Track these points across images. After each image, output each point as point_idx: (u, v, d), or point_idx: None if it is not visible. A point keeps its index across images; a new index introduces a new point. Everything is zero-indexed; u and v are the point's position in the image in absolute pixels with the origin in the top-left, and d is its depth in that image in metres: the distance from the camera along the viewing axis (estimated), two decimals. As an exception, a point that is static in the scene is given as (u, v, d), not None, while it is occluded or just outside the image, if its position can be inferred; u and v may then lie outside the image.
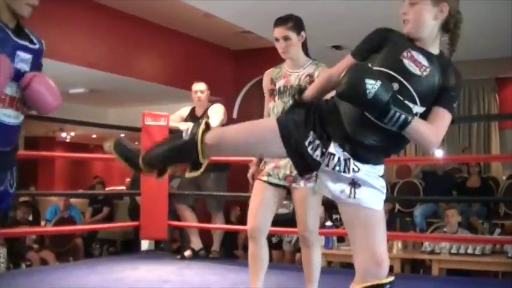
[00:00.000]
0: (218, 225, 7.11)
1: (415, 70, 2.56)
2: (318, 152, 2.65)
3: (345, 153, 2.61)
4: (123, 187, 15.35)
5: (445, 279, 6.56)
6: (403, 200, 10.50)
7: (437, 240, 7.24)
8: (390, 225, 7.74)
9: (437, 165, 10.61)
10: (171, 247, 8.98)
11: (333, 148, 2.62)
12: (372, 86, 2.40)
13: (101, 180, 13.95)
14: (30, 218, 9.45)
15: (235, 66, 11.76)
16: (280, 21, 4.03)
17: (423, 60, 2.59)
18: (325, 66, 4.01)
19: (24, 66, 2.91)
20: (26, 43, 2.94)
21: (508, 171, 12.19)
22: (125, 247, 10.86)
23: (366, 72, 2.47)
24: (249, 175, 4.25)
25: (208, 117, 6.67)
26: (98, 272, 5.84)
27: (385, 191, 2.71)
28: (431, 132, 2.53)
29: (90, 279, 5.45)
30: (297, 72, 4.06)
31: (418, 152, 14.34)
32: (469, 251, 6.85)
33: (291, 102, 3.68)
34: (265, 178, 4.04)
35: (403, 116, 2.44)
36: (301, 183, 3.95)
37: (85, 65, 9.34)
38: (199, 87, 6.90)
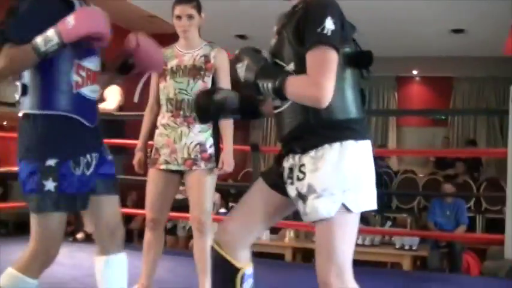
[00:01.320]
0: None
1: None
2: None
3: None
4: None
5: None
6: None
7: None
8: (284, 214, 7.84)
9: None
10: (66, 230, 8.84)
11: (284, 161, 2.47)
12: (240, 69, 2.33)
13: (-5, 160, 13.57)
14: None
15: (139, 50, 11.60)
16: (185, 0, 3.94)
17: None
18: (221, 48, 4.00)
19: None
20: None
21: (403, 167, 12.55)
22: (18, 229, 10.60)
23: (236, 58, 2.38)
24: (135, 161, 4.18)
25: (104, 100, 6.53)
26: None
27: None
28: (307, 82, 2.20)
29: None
30: (191, 52, 3.99)
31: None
32: (359, 241, 7.01)
33: (186, 82, 3.82)
34: (163, 167, 3.97)
35: (269, 85, 2.25)
36: (202, 164, 3.89)
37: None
38: None
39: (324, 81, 2.16)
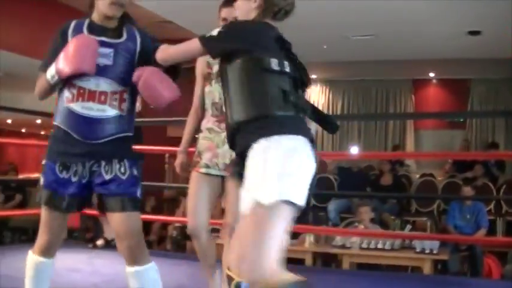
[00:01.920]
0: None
1: None
2: None
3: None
4: (38, 174, 15.05)
5: (355, 273, 6.68)
6: (318, 195, 10.62)
7: (348, 234, 7.35)
8: (303, 219, 7.82)
9: (353, 162, 10.77)
10: (85, 236, 8.87)
11: None
12: None
13: (14, 167, 13.65)
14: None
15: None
16: (230, 2, 3.72)
17: None
18: None
19: (105, 60, 2.97)
20: (103, 38, 2.99)
21: (422, 170, 12.49)
22: (37, 235, 10.65)
23: None
24: (177, 163, 4.16)
25: None
26: (6, 260, 5.72)
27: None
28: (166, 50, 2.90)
29: (0, 266, 5.34)
30: None
31: (335, 148, 14.58)
32: (379, 246, 6.98)
33: None
34: (204, 170, 3.93)
35: None
36: None
37: (0, 47, 9.13)
38: None
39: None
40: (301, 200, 2.51)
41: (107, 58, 2.98)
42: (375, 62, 12.49)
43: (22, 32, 9.47)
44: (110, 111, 2.98)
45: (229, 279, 2.46)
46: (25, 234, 11.05)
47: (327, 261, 7.63)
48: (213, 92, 3.93)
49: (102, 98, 2.95)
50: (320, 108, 11.09)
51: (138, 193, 3.07)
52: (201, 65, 4.02)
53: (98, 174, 2.99)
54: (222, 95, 3.41)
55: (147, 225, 9.67)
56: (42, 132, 19.06)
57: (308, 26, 9.60)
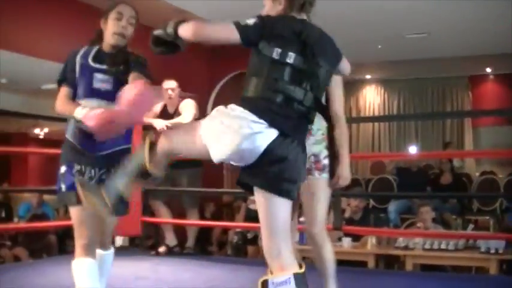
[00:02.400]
0: (193, 221, 7.08)
1: None
2: None
3: None
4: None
5: (419, 274, 6.59)
6: (377, 196, 10.55)
7: (411, 235, 7.27)
8: (364, 221, 7.76)
9: (411, 161, 10.66)
10: (146, 243, 8.95)
11: None
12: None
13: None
14: (3, 214, 9.38)
15: (209, 62, 11.71)
16: None
17: None
18: None
19: (106, 86, 3.41)
20: (104, 66, 3.43)
21: (482, 167, 12.30)
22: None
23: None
24: None
25: (180, 114, 6.72)
26: (69, 268, 5.80)
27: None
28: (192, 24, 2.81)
29: (63, 275, 5.39)
30: None
31: (392, 148, 14.46)
32: (443, 246, 6.88)
33: None
34: None
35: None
36: (316, 173, 3.83)
37: (58, 60, 9.26)
38: (170, 85, 6.90)
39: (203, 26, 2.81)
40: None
41: (107, 84, 3.41)
42: (430, 60, 12.36)
43: (77, 45, 9.60)
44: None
45: None
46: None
47: (390, 263, 7.55)
48: None
49: None
50: (376, 108, 11.07)
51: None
52: None
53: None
54: None
55: (207, 231, 9.72)
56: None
57: (363, 26, 9.57)
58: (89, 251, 3.45)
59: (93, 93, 3.40)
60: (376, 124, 15.08)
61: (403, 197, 9.84)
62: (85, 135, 3.35)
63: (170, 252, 6.84)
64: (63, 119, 8.84)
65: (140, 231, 7.29)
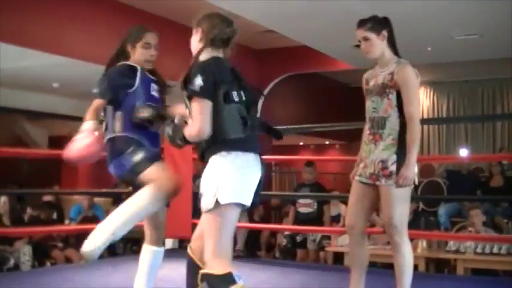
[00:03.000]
0: (242, 224, 7.09)
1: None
2: None
3: None
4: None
5: (471, 278, 6.52)
6: (427, 199, 10.44)
7: (462, 239, 7.18)
8: (414, 225, 7.70)
9: (461, 164, 10.54)
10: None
11: None
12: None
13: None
14: (55, 216, 9.50)
15: (257, 65, 11.72)
16: (359, 23, 4.14)
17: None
18: (406, 63, 4.07)
19: (156, 94, 4.03)
20: (155, 78, 4.08)
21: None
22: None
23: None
24: (351, 176, 4.31)
25: None
26: (123, 270, 5.86)
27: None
28: (190, 129, 3.22)
29: (115, 277, 5.47)
30: (383, 71, 4.08)
31: (442, 151, 14.31)
32: (495, 250, 6.79)
33: (377, 101, 4.05)
34: (358, 178, 4.17)
35: (180, 143, 3.32)
36: (383, 180, 3.97)
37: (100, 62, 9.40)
38: None
39: (201, 123, 3.15)
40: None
41: (157, 93, 4.05)
42: (480, 62, 12.18)
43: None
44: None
45: None
46: (136, 245, 11.29)
47: (440, 266, 7.47)
48: (368, 107, 4.11)
49: None
50: (425, 110, 11.07)
51: None
52: (363, 81, 4.24)
53: None
54: (373, 111, 4.00)
55: (255, 235, 9.73)
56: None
57: (413, 28, 9.47)
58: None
59: (150, 99, 3.94)
60: (425, 127, 14.94)
61: (454, 200, 9.73)
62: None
63: (237, 257, 6.86)
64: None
65: (190, 234, 7.32)
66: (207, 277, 3.14)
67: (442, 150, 14.58)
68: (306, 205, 8.16)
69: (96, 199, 11.05)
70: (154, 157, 3.86)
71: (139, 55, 4.03)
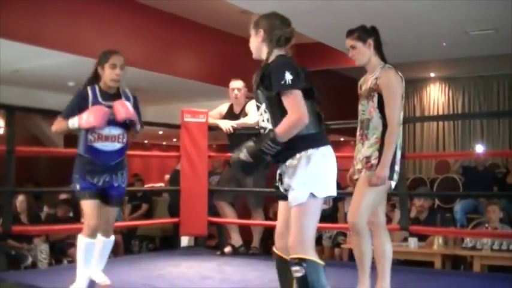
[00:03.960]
0: (258, 221, 7.09)
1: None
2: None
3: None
4: (162, 184, 15.42)
5: (487, 275, 6.50)
6: (443, 196, 10.41)
7: (479, 236, 7.16)
8: (430, 221, 7.67)
9: (477, 160, 10.50)
10: (208, 243, 9.00)
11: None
12: (243, 155, 3.30)
13: (139, 178, 14.03)
14: (71, 214, 9.54)
15: (272, 63, 11.68)
16: (348, 33, 4.40)
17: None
18: (390, 68, 4.30)
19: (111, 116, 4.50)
20: (110, 103, 4.51)
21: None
22: (164, 243, 10.91)
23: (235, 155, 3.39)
24: (348, 176, 4.57)
25: (246, 114, 6.76)
26: (139, 268, 5.88)
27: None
28: (290, 119, 3.24)
29: (132, 275, 5.49)
30: (371, 76, 4.33)
31: (457, 147, 14.25)
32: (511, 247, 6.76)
33: (364, 104, 4.33)
34: (354, 177, 4.42)
35: (268, 142, 3.24)
36: (363, 171, 4.23)
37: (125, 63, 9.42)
38: (237, 84, 6.92)
39: (300, 109, 3.24)
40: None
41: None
42: (496, 57, 12.11)
43: (143, 47, 9.74)
44: (117, 145, 4.61)
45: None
46: (152, 243, 11.34)
47: (457, 263, 7.45)
48: (359, 110, 4.39)
49: (113, 138, 4.57)
50: (440, 106, 11.12)
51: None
52: (358, 87, 4.50)
53: (110, 182, 4.65)
54: (361, 114, 4.28)
55: (271, 232, 9.72)
56: (164, 143, 19.54)
57: (428, 23, 9.43)
58: (93, 234, 4.60)
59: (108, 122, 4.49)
60: (441, 123, 14.89)
61: (471, 197, 9.70)
62: (100, 152, 4.55)
63: (235, 253, 6.87)
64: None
65: (206, 232, 7.33)
66: (304, 261, 3.21)
67: (457, 147, 14.52)
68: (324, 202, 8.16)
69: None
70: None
71: (107, 76, 4.57)
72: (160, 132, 16.01)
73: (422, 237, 7.34)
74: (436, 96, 15.20)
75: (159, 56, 9.90)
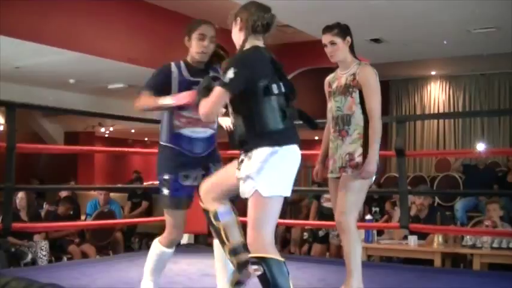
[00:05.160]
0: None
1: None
2: None
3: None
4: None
5: (487, 274, 6.48)
6: (444, 194, 10.41)
7: (479, 234, 7.16)
8: (431, 219, 7.67)
9: (478, 158, 10.50)
10: (208, 241, 8.98)
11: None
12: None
13: (139, 175, 14.03)
14: (71, 211, 9.55)
15: (276, 58, 11.67)
16: (327, 29, 4.40)
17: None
18: (367, 64, 4.35)
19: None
20: (198, 79, 3.85)
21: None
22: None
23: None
24: (314, 173, 4.65)
25: None
26: (139, 265, 5.86)
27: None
28: (200, 109, 3.38)
29: (131, 272, 5.49)
30: (345, 73, 4.36)
31: (458, 146, 14.25)
32: (511, 245, 6.76)
33: (340, 100, 4.31)
34: (330, 175, 4.45)
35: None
36: (349, 170, 4.23)
37: (124, 60, 9.41)
38: None
39: (211, 107, 3.33)
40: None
41: None
42: (497, 55, 12.11)
43: (145, 44, 9.74)
44: (209, 131, 4.05)
45: None
46: (152, 240, 11.30)
47: (457, 261, 7.44)
48: (332, 107, 4.42)
49: (204, 123, 3.92)
50: (441, 104, 11.12)
51: None
52: (325, 85, 4.53)
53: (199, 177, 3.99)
54: (337, 110, 4.29)
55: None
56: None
57: (429, 22, 9.44)
58: (171, 245, 4.17)
59: (189, 107, 3.87)
60: (441, 121, 14.90)
61: (471, 195, 9.70)
62: (190, 139, 3.99)
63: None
64: (128, 118, 8.98)
65: (206, 229, 7.33)
66: (262, 259, 3.19)
67: (458, 145, 14.52)
68: (328, 200, 8.17)
69: (112, 194, 11.08)
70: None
71: (194, 48, 4.05)
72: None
73: (422, 236, 7.33)
74: (436, 94, 15.19)
75: (160, 54, 9.89)
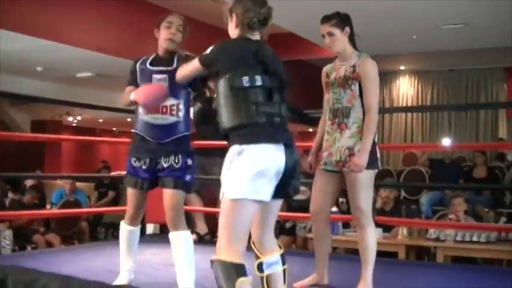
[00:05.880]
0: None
1: None
2: None
3: None
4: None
5: (450, 266, 6.54)
6: (409, 187, 10.49)
7: (442, 227, 7.22)
8: (396, 212, 7.72)
9: (444, 153, 10.60)
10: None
11: None
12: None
13: (107, 165, 13.96)
14: (37, 201, 9.48)
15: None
16: (324, 19, 4.30)
17: None
18: (368, 56, 4.29)
19: (162, 83, 4.04)
20: (160, 68, 4.09)
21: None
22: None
23: None
24: (307, 162, 4.59)
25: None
26: (103, 255, 5.86)
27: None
28: (178, 72, 3.74)
29: (95, 262, 5.46)
30: (344, 64, 4.31)
31: (425, 140, 14.37)
32: (474, 238, 6.82)
33: (339, 92, 4.26)
34: (322, 167, 4.41)
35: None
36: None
37: (93, 48, 9.34)
38: None
39: (182, 74, 3.70)
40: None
41: (163, 81, 4.04)
42: (465, 51, 12.23)
43: (115, 34, 9.67)
44: (171, 119, 4.06)
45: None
46: (118, 230, 11.27)
47: (421, 254, 7.51)
48: (330, 98, 4.35)
49: (164, 109, 4.03)
50: (409, 99, 11.18)
51: (187, 178, 4.14)
52: (323, 75, 4.47)
53: (160, 164, 4.11)
54: (336, 102, 4.22)
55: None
56: (133, 130, 19.47)
57: (399, 17, 9.49)
58: (133, 221, 4.53)
59: None
60: (409, 115, 15.02)
61: (437, 189, 9.78)
62: (151, 126, 4.09)
63: (201, 241, 6.86)
64: (96, 107, 8.95)
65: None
66: (214, 262, 3.07)
67: (425, 139, 14.64)
68: (300, 192, 8.17)
69: (78, 184, 11.01)
70: None
71: (161, 36, 4.18)
72: (129, 120, 15.96)
73: (387, 228, 7.38)
74: (405, 89, 15.31)
75: (129, 43, 9.83)
